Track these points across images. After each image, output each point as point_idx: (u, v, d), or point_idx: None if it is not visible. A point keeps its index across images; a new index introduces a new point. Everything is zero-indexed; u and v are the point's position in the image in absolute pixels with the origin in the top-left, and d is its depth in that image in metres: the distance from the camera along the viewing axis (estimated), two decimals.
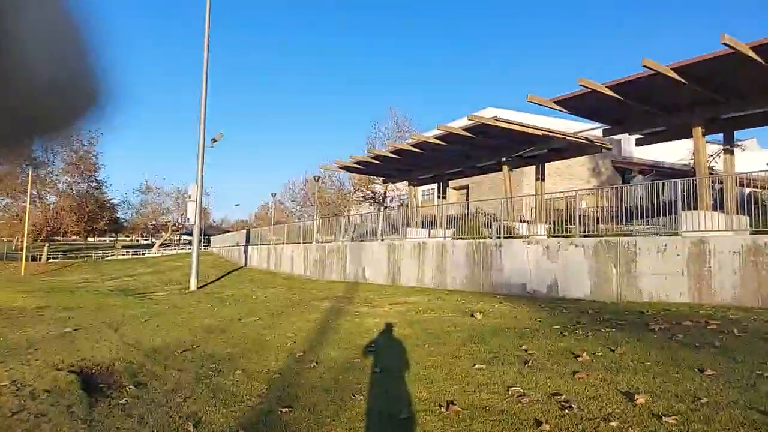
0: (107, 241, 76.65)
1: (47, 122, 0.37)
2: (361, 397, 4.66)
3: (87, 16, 0.37)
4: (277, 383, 5.30)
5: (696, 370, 4.59)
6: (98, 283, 23.76)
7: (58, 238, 50.69)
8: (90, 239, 60.20)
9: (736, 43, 8.83)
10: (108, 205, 50.86)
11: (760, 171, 10.62)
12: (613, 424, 3.52)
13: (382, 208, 32.67)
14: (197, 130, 19.10)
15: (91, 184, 46.64)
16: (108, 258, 52.51)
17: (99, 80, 0.39)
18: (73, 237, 53.17)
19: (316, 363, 6.05)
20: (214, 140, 21.50)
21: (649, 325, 6.74)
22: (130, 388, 5.19)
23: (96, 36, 0.37)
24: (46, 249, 45.48)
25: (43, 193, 43.66)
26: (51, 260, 46.58)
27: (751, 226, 9.96)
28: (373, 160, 19.57)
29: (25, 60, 0.32)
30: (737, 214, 10.75)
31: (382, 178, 25.96)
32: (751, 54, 8.98)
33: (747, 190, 11.08)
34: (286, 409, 4.38)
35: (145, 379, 5.57)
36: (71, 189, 44.45)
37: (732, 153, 12.42)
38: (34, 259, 43.98)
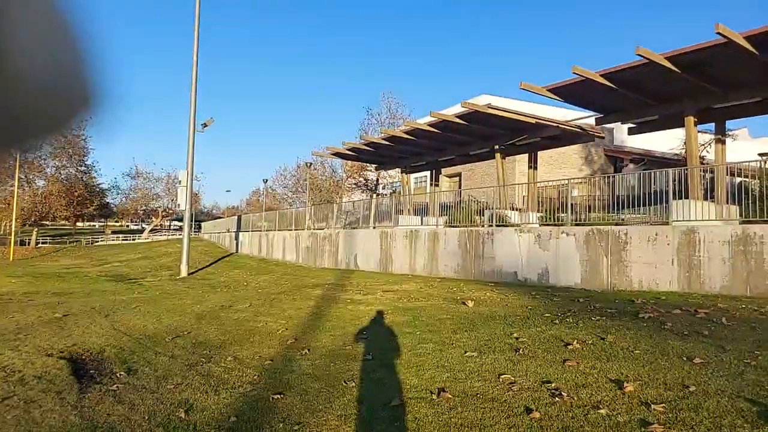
0: (97, 227, 76.17)
1: (38, 125, 0.37)
2: (353, 384, 4.67)
3: (78, 14, 0.36)
4: (269, 370, 5.30)
5: (684, 358, 4.64)
6: (88, 269, 23.62)
7: (47, 222, 50.31)
8: (79, 224, 59.83)
9: (730, 33, 8.83)
10: (97, 189, 50.49)
11: (751, 161, 10.67)
12: (602, 411, 3.55)
13: (374, 196, 32.62)
14: (188, 115, 18.93)
15: (79, 168, 46.21)
16: (98, 243, 52.15)
17: (92, 82, 0.39)
18: (62, 222, 52.82)
19: (308, 350, 6.05)
20: (204, 125, 21.30)
21: (639, 313, 6.80)
22: (120, 375, 5.17)
23: (88, 34, 0.37)
24: (35, 234, 45.13)
25: (31, 177, 43.15)
26: (40, 245, 46.22)
27: (740, 215, 10.04)
28: (366, 147, 19.49)
29: (15, 62, 0.31)
30: (727, 203, 10.84)
31: (374, 165, 25.88)
32: (745, 44, 8.98)
33: (737, 180, 11.15)
34: (278, 396, 4.38)
35: (136, 365, 5.55)
36: (59, 173, 43.98)
37: (723, 143, 12.48)
38: (22, 243, 43.66)
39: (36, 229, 45.73)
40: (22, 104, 0.33)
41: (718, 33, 8.82)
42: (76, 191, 44.79)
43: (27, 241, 44.76)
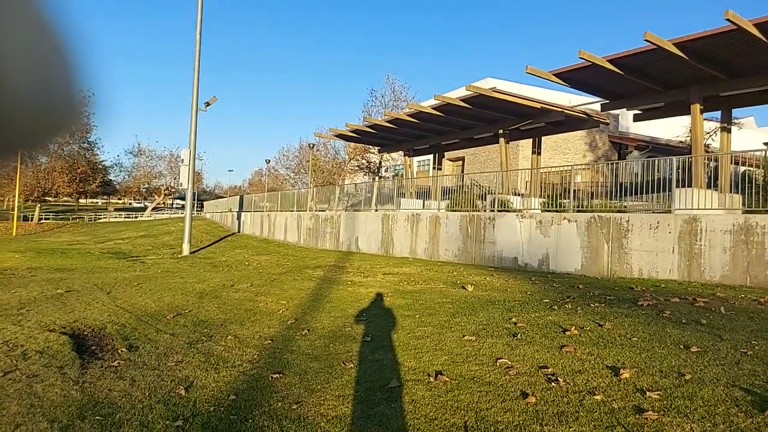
0: (99, 204, 76.33)
1: (26, 136, 0.36)
2: (352, 365, 4.71)
3: (66, 20, 0.35)
4: (269, 349, 5.35)
5: (681, 346, 4.66)
6: (90, 245, 23.72)
7: (50, 198, 50.40)
8: (82, 201, 59.93)
9: (739, 20, 8.71)
10: (100, 166, 50.46)
11: (756, 150, 10.62)
12: (598, 397, 3.58)
13: (376, 178, 32.56)
14: (190, 92, 18.82)
15: (82, 145, 46.10)
16: (100, 220, 52.31)
17: (80, 94, 0.39)
18: (65, 198, 52.90)
19: (308, 330, 6.10)
20: (207, 104, 21.19)
21: (638, 301, 6.82)
22: (122, 351, 5.23)
23: (78, 41, 0.35)
24: (37, 209, 45.25)
25: (34, 153, 43.09)
26: (42, 221, 46.39)
27: (743, 205, 10.01)
28: (369, 129, 19.40)
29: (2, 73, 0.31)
30: (731, 192, 10.80)
31: (377, 148, 25.78)
32: (754, 31, 8.86)
33: (742, 169, 11.09)
34: (277, 375, 4.43)
35: (138, 342, 5.61)
36: (62, 150, 43.91)
37: (729, 131, 12.39)
38: (25, 219, 43.83)
39: (39, 205, 45.85)
40: (5, 114, 0.32)
41: (728, 20, 8.70)
42: (78, 168, 44.80)
43: (30, 216, 44.92)
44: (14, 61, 0.30)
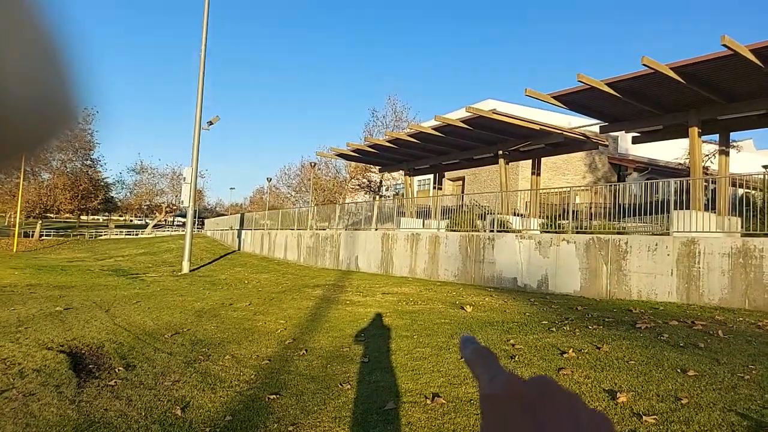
0: (101, 221, 76.40)
1: (20, 141, 0.34)
2: (349, 386, 4.71)
3: (63, 21, 0.33)
4: (266, 370, 5.34)
5: (679, 370, 4.66)
6: (90, 262, 23.71)
7: (51, 215, 50.49)
8: (83, 218, 59.98)
9: (736, 45, 8.84)
10: (102, 184, 50.55)
11: (754, 173, 10.69)
12: None
13: (377, 197, 32.65)
14: (194, 112, 19.01)
15: (85, 162, 46.28)
16: (101, 237, 52.34)
17: (78, 98, 0.37)
18: (66, 215, 52.98)
19: (306, 351, 6.09)
20: (210, 123, 21.38)
21: (636, 323, 6.81)
22: (119, 370, 5.22)
23: (75, 44, 0.34)
24: (38, 226, 45.28)
25: (36, 169, 43.31)
26: (43, 237, 46.41)
27: (742, 227, 10.04)
28: (370, 149, 19.53)
29: None
30: (729, 215, 10.83)
31: (378, 167, 25.91)
32: (750, 56, 8.99)
33: (740, 192, 11.15)
34: (274, 396, 4.42)
35: (135, 361, 5.60)
36: (65, 167, 44.11)
37: (727, 154, 12.48)
38: (26, 235, 43.86)
39: (40, 222, 45.89)
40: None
41: (724, 45, 8.83)
42: (81, 185, 44.91)
43: (31, 233, 44.96)
44: (9, 61, 0.30)
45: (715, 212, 10.70)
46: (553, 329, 6.67)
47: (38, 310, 8.56)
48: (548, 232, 12.16)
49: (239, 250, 29.65)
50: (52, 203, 44.16)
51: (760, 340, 5.87)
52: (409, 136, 16.98)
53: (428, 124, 16.64)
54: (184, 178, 21.31)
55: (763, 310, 7.91)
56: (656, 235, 10.03)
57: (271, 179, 50.16)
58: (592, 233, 10.85)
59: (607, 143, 18.34)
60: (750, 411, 3.63)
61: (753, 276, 8.20)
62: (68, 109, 0.37)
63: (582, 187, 17.58)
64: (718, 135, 12.78)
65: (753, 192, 10.66)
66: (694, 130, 11.48)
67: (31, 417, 3.91)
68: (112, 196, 55.53)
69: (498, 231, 12.89)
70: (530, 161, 17.23)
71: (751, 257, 8.25)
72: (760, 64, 9.13)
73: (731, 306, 8.26)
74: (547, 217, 13.37)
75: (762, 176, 10.68)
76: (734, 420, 3.49)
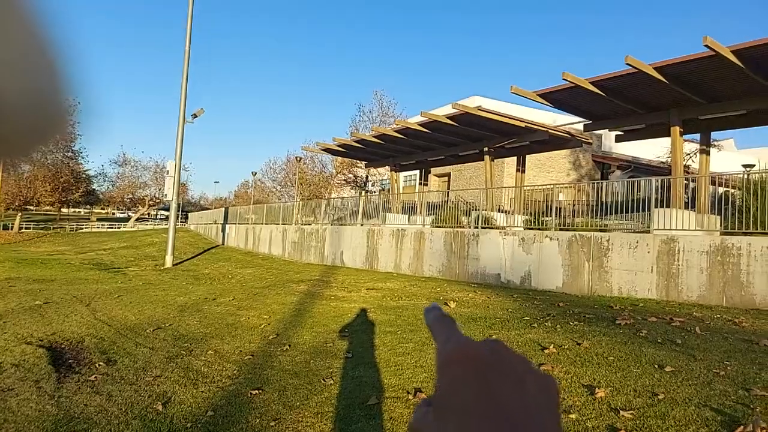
0: (82, 213, 75.34)
1: (8, 143, 0.34)
2: (332, 381, 4.72)
3: (52, 21, 0.32)
4: (249, 365, 5.33)
5: (656, 366, 4.74)
6: (71, 256, 23.37)
7: (31, 207, 49.65)
8: (64, 210, 59.10)
9: (718, 46, 8.97)
10: (83, 176, 49.82)
11: (734, 173, 10.87)
12: (573, 416, 3.63)
13: (363, 193, 32.62)
14: (177, 104, 18.81)
15: (66, 154, 45.54)
16: (82, 230, 51.60)
17: (67, 100, 0.36)
18: (47, 207, 52.15)
19: (289, 346, 6.09)
20: (194, 115, 21.15)
21: (616, 319, 6.91)
22: (99, 365, 5.17)
23: (65, 43, 0.33)
24: (18, 218, 44.53)
25: (15, 161, 42.46)
26: (23, 230, 45.65)
27: (721, 226, 10.21)
28: (357, 144, 19.51)
29: None
30: (709, 213, 11.01)
31: (364, 162, 25.88)
32: (732, 57, 9.13)
33: (720, 190, 11.34)
34: (256, 392, 4.42)
35: (116, 356, 5.55)
36: (45, 158, 43.36)
37: (708, 153, 12.68)
38: (5, 228, 43.10)
39: (20, 214, 45.11)
40: None
41: (706, 45, 8.95)
42: (62, 177, 44.21)
43: (10, 225, 44.19)
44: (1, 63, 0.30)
45: (695, 210, 10.87)
46: (535, 325, 6.75)
47: (17, 304, 8.44)
48: (532, 228, 12.27)
49: (223, 244, 29.45)
50: (32, 195, 43.42)
51: (736, 336, 6.00)
52: (395, 131, 16.98)
53: (415, 120, 16.65)
54: (168, 171, 21.09)
55: (739, 307, 8.07)
56: (637, 232, 10.17)
57: (256, 173, 49.84)
58: (574, 230, 10.97)
59: (591, 141, 18.52)
60: (724, 406, 3.72)
61: (731, 273, 8.36)
62: (59, 111, 0.37)
63: (566, 185, 17.74)
64: (699, 134, 12.97)
65: (733, 191, 10.84)
66: (676, 130, 11.64)
67: (9, 412, 3.86)
68: (94, 189, 54.75)
69: (482, 227, 12.97)
70: (515, 158, 17.33)
71: (729, 255, 8.41)
72: (741, 65, 9.28)
73: (709, 303, 8.42)
74: (531, 213, 13.49)
75: (742, 175, 10.86)
76: (708, 415, 3.56)
